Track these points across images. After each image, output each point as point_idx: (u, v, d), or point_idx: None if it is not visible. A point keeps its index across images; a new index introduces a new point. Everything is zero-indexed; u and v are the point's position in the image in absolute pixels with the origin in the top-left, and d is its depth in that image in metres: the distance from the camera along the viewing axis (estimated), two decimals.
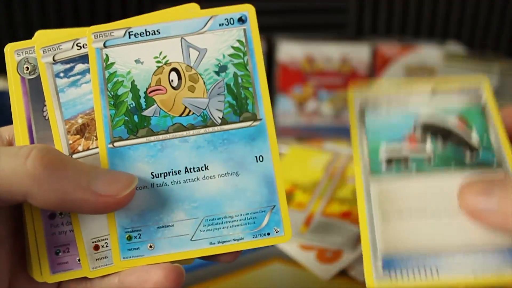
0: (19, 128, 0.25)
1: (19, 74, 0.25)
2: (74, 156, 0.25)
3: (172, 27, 0.27)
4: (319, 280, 0.41)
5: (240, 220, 0.25)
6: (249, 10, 0.27)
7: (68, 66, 0.26)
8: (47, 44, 0.25)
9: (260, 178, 0.25)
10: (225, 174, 0.25)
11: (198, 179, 0.25)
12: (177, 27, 0.27)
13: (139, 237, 0.25)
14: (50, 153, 0.22)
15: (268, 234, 0.25)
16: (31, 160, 0.21)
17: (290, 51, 0.76)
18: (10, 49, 0.26)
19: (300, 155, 0.62)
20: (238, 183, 0.25)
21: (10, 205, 0.25)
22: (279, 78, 0.78)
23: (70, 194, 0.22)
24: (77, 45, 0.25)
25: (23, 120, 0.25)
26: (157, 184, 0.25)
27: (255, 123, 0.26)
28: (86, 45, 0.26)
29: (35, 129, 0.26)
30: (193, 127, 0.26)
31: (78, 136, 0.25)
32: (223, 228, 0.25)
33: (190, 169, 0.25)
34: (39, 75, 0.26)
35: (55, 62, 0.25)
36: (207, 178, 0.25)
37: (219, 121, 0.26)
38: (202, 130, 0.26)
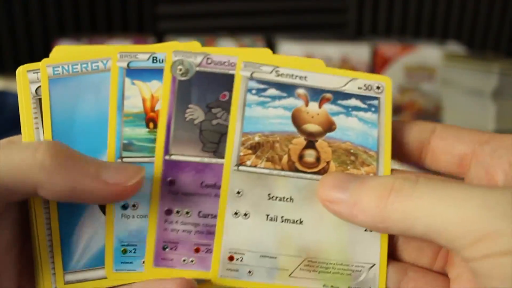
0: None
1: (171, 73, 0.26)
2: (240, 168, 0.26)
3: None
4: None
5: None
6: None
7: (262, 86, 0.27)
8: (250, 60, 0.27)
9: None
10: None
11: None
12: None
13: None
14: (59, 146, 0.23)
15: None
16: (40, 152, 0.22)
17: (290, 51, 0.76)
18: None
19: None
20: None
21: (17, 210, 0.25)
22: None
23: (80, 183, 0.22)
24: (276, 71, 0.27)
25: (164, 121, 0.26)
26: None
27: None
28: (285, 74, 0.27)
29: (174, 127, 0.27)
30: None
31: (250, 151, 0.26)
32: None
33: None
34: (190, 78, 0.27)
35: (252, 78, 0.27)
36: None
37: None
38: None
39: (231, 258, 0.26)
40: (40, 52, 0.80)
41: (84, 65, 0.27)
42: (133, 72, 0.27)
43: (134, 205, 0.26)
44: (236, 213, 0.26)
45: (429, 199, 0.21)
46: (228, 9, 0.83)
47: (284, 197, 0.26)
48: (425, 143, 0.26)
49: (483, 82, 0.70)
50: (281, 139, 0.27)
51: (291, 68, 0.27)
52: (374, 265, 0.26)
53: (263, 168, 0.26)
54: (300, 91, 0.27)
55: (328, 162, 0.26)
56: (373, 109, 0.27)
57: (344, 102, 0.27)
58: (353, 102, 0.27)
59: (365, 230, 0.26)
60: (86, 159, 0.23)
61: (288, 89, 0.27)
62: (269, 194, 0.26)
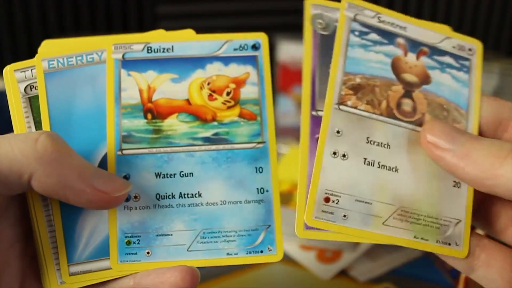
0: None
1: (312, 26, 0.27)
2: (341, 107, 0.26)
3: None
4: (319, 280, 0.41)
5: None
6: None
7: (365, 29, 0.27)
8: (354, 2, 0.27)
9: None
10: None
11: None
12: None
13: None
14: (59, 139, 0.23)
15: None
16: (41, 142, 0.22)
17: (290, 51, 0.76)
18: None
19: None
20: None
21: (19, 208, 0.25)
22: (279, 78, 0.78)
23: (72, 182, 0.23)
24: (378, 17, 0.27)
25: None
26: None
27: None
28: (387, 22, 0.27)
29: (319, 82, 0.27)
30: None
31: (351, 92, 0.26)
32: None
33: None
34: (331, 33, 0.27)
35: (355, 20, 0.27)
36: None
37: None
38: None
39: (327, 200, 0.25)
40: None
41: (79, 58, 0.27)
42: (128, 63, 0.27)
43: (135, 197, 0.26)
44: (334, 153, 0.26)
45: None
46: (228, 9, 0.83)
47: (381, 143, 0.26)
48: (503, 121, 0.26)
49: (483, 82, 0.70)
50: (381, 84, 0.27)
51: (392, 17, 0.27)
52: (460, 221, 0.26)
53: (363, 110, 0.26)
54: (400, 40, 0.27)
55: (423, 114, 0.26)
56: (465, 69, 0.27)
57: (440, 58, 0.27)
58: (448, 59, 0.27)
59: (454, 185, 0.26)
60: (82, 160, 0.24)
61: (389, 36, 0.27)
62: (367, 138, 0.26)
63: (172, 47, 0.27)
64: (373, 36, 0.27)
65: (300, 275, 0.42)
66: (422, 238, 0.26)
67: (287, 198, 0.52)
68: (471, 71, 0.27)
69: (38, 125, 0.26)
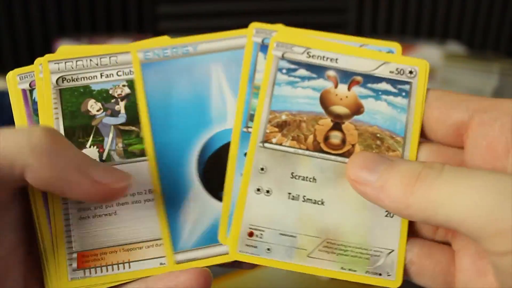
0: None
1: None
2: (266, 145, 0.26)
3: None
4: (319, 280, 0.41)
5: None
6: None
7: (293, 66, 0.27)
8: (283, 41, 0.27)
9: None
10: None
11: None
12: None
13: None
14: (55, 132, 0.23)
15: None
16: (36, 135, 0.22)
17: None
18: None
19: None
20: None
21: (21, 211, 0.25)
22: None
23: (67, 173, 0.22)
24: (307, 53, 0.27)
25: None
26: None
27: None
28: (316, 56, 0.27)
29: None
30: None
31: (276, 129, 0.27)
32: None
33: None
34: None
35: (283, 58, 0.27)
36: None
37: None
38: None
39: (250, 234, 0.26)
40: (40, 52, 0.80)
41: (174, 49, 0.28)
42: (266, 48, 0.27)
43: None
44: (258, 190, 0.26)
45: (452, 187, 0.21)
46: (228, 9, 0.83)
47: (307, 177, 0.26)
48: (461, 123, 0.25)
49: (483, 82, 0.70)
50: (307, 119, 0.27)
51: (323, 50, 0.27)
52: (392, 251, 0.26)
53: (288, 146, 0.26)
54: (330, 73, 0.27)
55: (353, 145, 0.26)
56: (403, 93, 0.27)
57: (374, 86, 0.27)
58: (384, 86, 0.27)
59: (386, 215, 0.26)
60: (79, 152, 0.23)
61: (318, 70, 0.27)
62: (292, 173, 0.26)
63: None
64: (302, 72, 0.27)
65: (300, 275, 0.42)
66: (350, 269, 0.26)
67: None
68: (411, 95, 0.27)
69: (66, 116, 0.26)
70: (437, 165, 0.22)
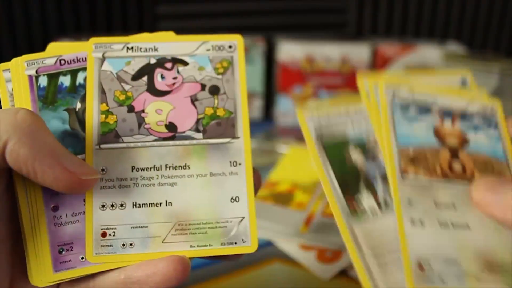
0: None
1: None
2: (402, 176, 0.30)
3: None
4: (319, 280, 0.41)
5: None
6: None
7: (404, 105, 0.31)
8: (391, 82, 0.31)
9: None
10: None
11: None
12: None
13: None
14: (38, 117, 0.24)
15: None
16: (21, 114, 0.23)
17: (290, 51, 0.76)
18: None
19: (300, 155, 0.62)
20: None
21: (10, 206, 0.25)
22: (279, 78, 0.78)
23: (42, 155, 0.23)
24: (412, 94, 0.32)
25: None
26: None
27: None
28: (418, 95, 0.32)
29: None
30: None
31: (408, 162, 0.30)
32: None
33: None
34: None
35: (393, 97, 0.31)
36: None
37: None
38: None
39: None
40: (40, 51, 0.80)
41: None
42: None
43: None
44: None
45: None
46: (228, 9, 0.83)
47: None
48: None
49: (483, 82, 0.70)
50: (430, 152, 0.30)
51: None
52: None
53: (422, 175, 0.29)
54: (437, 110, 0.31)
55: (473, 171, 0.30)
56: (494, 125, 0.31)
57: (470, 120, 0.31)
58: (476, 121, 0.31)
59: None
60: (54, 140, 0.24)
61: (424, 109, 0.31)
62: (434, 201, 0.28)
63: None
64: (413, 110, 0.31)
65: (300, 275, 0.42)
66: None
67: (287, 198, 0.52)
68: (496, 126, 0.32)
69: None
70: None
